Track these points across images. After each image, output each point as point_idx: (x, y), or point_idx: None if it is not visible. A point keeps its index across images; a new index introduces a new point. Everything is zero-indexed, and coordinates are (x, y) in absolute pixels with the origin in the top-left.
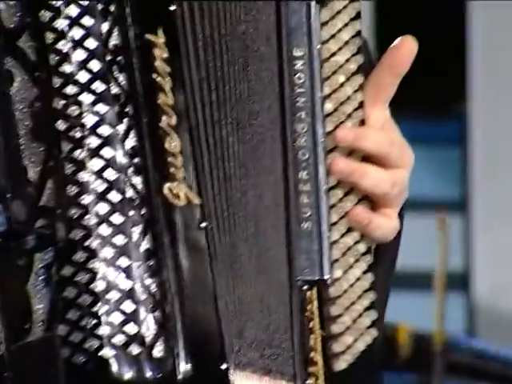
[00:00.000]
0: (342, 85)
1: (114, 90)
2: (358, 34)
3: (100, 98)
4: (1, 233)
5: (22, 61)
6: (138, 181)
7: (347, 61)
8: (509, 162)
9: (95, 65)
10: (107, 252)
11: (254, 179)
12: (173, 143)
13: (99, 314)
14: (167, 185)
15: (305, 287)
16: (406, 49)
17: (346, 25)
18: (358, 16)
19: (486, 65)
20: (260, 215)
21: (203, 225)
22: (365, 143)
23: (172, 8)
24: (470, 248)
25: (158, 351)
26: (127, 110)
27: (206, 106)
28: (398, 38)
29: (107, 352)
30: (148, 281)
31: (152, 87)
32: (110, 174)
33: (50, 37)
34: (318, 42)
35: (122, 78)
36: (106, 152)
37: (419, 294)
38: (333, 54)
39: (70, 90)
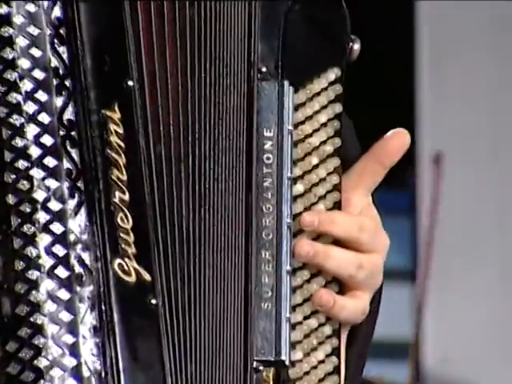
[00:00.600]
0: (315, 166)
1: (66, 164)
2: (337, 116)
3: (51, 173)
4: None
5: None
6: (86, 256)
7: (323, 143)
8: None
9: (47, 139)
10: (52, 328)
11: (213, 256)
12: (125, 219)
13: None
14: (117, 261)
15: (261, 368)
16: (397, 142)
17: (324, 107)
18: (337, 99)
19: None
20: (218, 293)
21: (153, 302)
22: (332, 228)
23: (129, 83)
24: (419, 316)
25: None
26: (79, 185)
27: (166, 183)
28: (392, 130)
29: None
30: (93, 358)
31: (105, 162)
32: (59, 249)
33: (2, 111)
34: (289, 123)
35: (74, 152)
36: (56, 227)
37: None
38: (308, 136)
39: (21, 164)
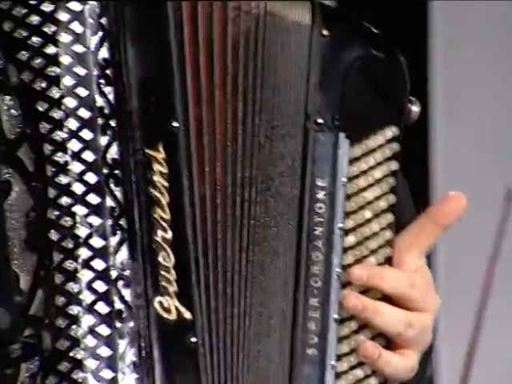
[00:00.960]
0: (368, 220)
1: (109, 202)
2: (393, 174)
3: (94, 210)
4: None
5: (20, 171)
6: (127, 293)
7: (377, 198)
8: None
9: (91, 177)
10: (92, 363)
11: (259, 298)
12: (167, 257)
13: None
14: (158, 298)
15: None
16: (455, 204)
17: (379, 163)
18: (394, 156)
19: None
20: (262, 336)
21: (193, 340)
22: (381, 283)
23: (174, 124)
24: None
25: None
26: (121, 222)
27: (211, 224)
28: (450, 193)
29: None
30: None
31: (148, 201)
32: (100, 285)
33: (48, 148)
34: (343, 175)
35: (118, 191)
36: (97, 264)
37: None
38: (362, 190)
39: (65, 201)
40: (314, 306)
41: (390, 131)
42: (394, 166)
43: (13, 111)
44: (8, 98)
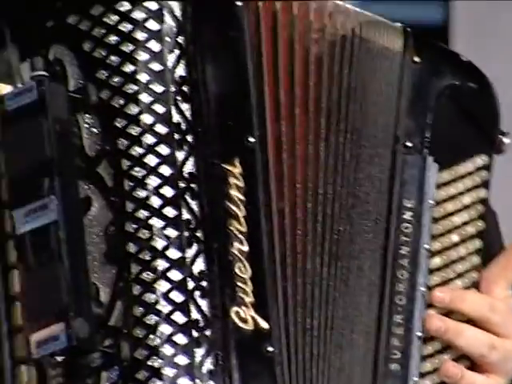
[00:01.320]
0: (455, 244)
1: (186, 215)
2: (482, 201)
3: (171, 222)
4: (63, 349)
5: (99, 186)
6: (204, 303)
7: (465, 223)
8: None
9: (168, 191)
10: (169, 372)
11: (341, 313)
12: (243, 269)
13: None
14: (235, 308)
15: None
16: None
17: (468, 190)
18: (483, 185)
19: None
20: (344, 349)
21: (270, 349)
22: (462, 305)
23: (250, 140)
24: None
25: None
26: (198, 234)
27: (289, 238)
28: None
29: None
30: None
31: (225, 214)
32: (177, 295)
33: (126, 163)
34: (430, 197)
35: (194, 204)
36: (174, 275)
37: None
38: (450, 214)
39: (142, 214)
40: (397, 322)
41: (480, 159)
42: (482, 193)
43: (93, 129)
44: (88, 116)
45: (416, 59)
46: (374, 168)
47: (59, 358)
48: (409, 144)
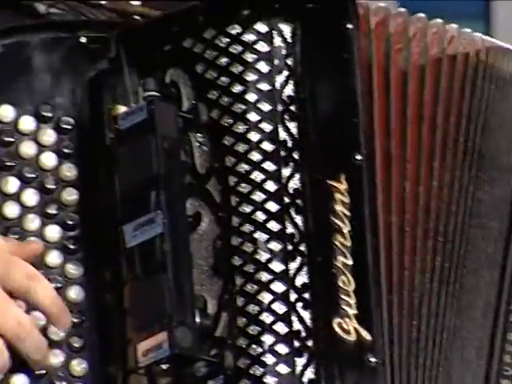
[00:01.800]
0: None
1: (290, 229)
2: None
3: (275, 236)
4: (166, 357)
5: (209, 202)
6: (306, 314)
7: None
8: None
9: (273, 206)
10: (271, 380)
11: (452, 327)
12: (347, 282)
13: None
14: (337, 320)
15: None
16: None
17: None
18: None
19: None
20: (453, 362)
21: (372, 360)
22: None
23: (357, 157)
24: None
25: None
26: (301, 248)
27: (397, 253)
28: None
29: None
30: None
31: (329, 229)
32: (279, 307)
33: (233, 180)
34: None
35: (298, 219)
36: (277, 287)
37: None
38: None
39: (247, 228)
40: (511, 340)
41: None
42: None
43: (204, 147)
44: (199, 135)
45: None
46: (494, 191)
47: (164, 366)
48: None
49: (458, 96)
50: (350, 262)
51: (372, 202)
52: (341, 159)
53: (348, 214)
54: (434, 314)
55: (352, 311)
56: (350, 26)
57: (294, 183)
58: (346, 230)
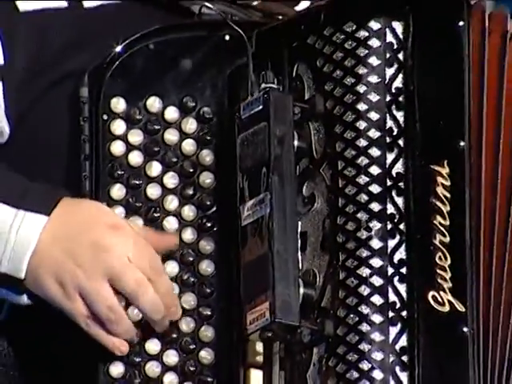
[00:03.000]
0: None
1: (390, 209)
2: None
3: (376, 215)
4: (269, 325)
5: (322, 184)
6: (402, 287)
7: None
8: None
9: (375, 188)
10: (365, 347)
11: None
12: (443, 258)
13: None
14: (432, 293)
15: None
16: None
17: None
18: None
19: None
20: None
21: (465, 329)
22: None
23: (461, 144)
24: None
25: None
26: (401, 227)
27: (496, 232)
28: None
29: None
30: (399, 373)
31: (429, 209)
32: (377, 280)
33: (341, 164)
34: None
35: (400, 200)
36: (375, 262)
37: None
38: None
39: (350, 208)
40: None
41: None
42: None
43: (320, 134)
44: (316, 123)
45: None
46: None
47: (269, 334)
48: None
49: None
50: (448, 240)
51: (474, 186)
52: (444, 146)
53: (448, 195)
54: None
55: (447, 285)
56: (461, 23)
57: (398, 168)
58: (445, 210)
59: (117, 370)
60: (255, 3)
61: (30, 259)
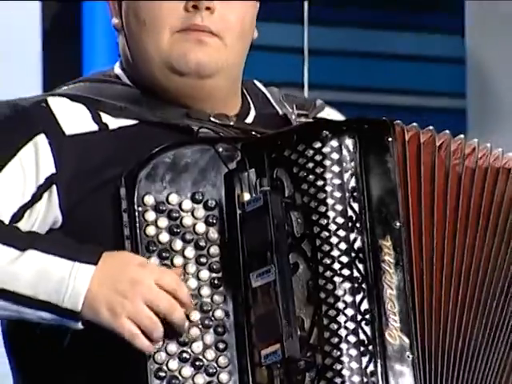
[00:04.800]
0: None
1: (356, 273)
2: None
3: (346, 279)
4: (280, 360)
5: (303, 256)
6: (367, 329)
7: None
8: None
9: (344, 259)
10: (346, 372)
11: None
12: (393, 306)
13: None
14: (387, 332)
15: None
16: None
17: None
18: None
19: None
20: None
21: (410, 356)
22: None
23: (397, 224)
24: None
25: None
26: (363, 286)
27: (434, 291)
28: None
29: None
30: None
31: (381, 272)
32: (350, 325)
33: (317, 242)
34: None
35: (361, 266)
36: (348, 312)
37: None
38: None
39: (328, 274)
40: None
41: None
42: None
43: (299, 220)
44: (296, 213)
45: None
46: None
47: (278, 364)
48: None
49: (479, 193)
50: (395, 293)
51: (408, 252)
52: (387, 226)
53: (393, 261)
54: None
55: (397, 325)
56: (390, 139)
57: (358, 243)
58: (391, 271)
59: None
60: (232, 123)
61: (84, 297)
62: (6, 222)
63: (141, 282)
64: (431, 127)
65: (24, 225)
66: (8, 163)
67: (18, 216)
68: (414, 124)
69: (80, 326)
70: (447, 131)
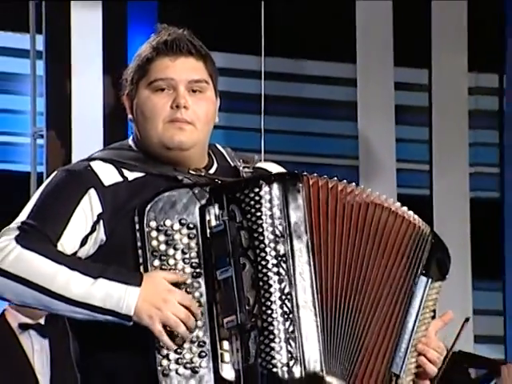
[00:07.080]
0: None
1: (281, 270)
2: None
3: (275, 274)
4: (236, 325)
5: (249, 260)
6: (289, 304)
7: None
8: None
9: (273, 261)
10: (276, 331)
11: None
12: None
13: None
14: (301, 305)
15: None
16: None
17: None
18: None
19: None
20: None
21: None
22: None
23: (305, 238)
24: None
25: None
26: (286, 277)
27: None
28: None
29: None
30: None
31: (295, 268)
32: (277, 301)
33: (257, 251)
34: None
35: (284, 265)
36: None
37: None
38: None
39: (264, 270)
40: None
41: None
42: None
43: (245, 237)
44: (243, 232)
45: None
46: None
47: (235, 328)
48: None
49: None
50: (306, 281)
51: (313, 256)
52: (299, 239)
53: (304, 261)
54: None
55: (307, 300)
56: (301, 184)
57: (282, 251)
58: (303, 268)
59: None
60: (203, 174)
61: (135, 308)
62: (77, 246)
63: (169, 300)
64: (326, 176)
65: (88, 246)
66: (75, 210)
67: (84, 242)
68: (315, 174)
69: (130, 324)
70: (335, 178)
